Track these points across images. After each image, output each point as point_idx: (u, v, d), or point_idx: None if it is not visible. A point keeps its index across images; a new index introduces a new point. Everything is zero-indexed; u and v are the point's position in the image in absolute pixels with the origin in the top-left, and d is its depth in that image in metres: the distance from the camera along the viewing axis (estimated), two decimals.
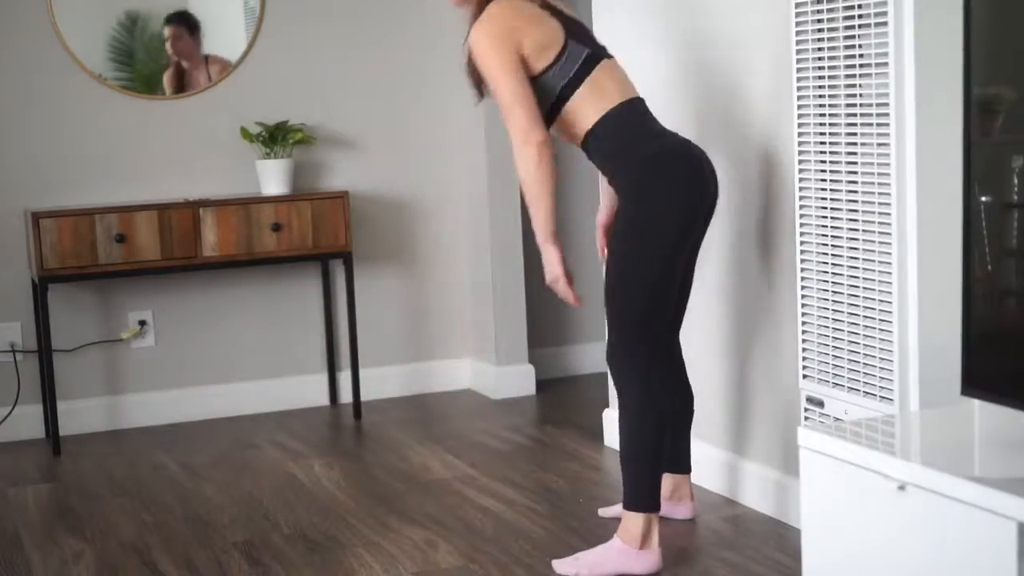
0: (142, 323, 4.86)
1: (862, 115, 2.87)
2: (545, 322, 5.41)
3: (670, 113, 3.68)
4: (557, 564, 3.16)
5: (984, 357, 2.28)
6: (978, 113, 2.27)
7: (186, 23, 4.87)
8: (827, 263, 3.03)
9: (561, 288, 3.12)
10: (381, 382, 5.16)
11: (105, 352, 4.84)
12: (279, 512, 3.74)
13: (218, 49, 4.93)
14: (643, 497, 3.11)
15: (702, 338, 3.74)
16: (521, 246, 5.10)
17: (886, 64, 2.79)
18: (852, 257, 2.95)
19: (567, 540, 3.38)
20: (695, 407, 3.50)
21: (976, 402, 2.43)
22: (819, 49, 2.98)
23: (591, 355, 5.37)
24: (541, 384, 5.24)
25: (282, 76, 4.98)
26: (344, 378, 5.09)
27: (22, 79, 4.70)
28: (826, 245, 3.03)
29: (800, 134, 3.07)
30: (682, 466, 3.46)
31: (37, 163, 4.73)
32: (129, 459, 4.43)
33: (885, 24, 2.78)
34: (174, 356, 4.93)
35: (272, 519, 3.68)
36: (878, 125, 2.83)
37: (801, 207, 3.10)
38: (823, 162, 3.01)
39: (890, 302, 2.85)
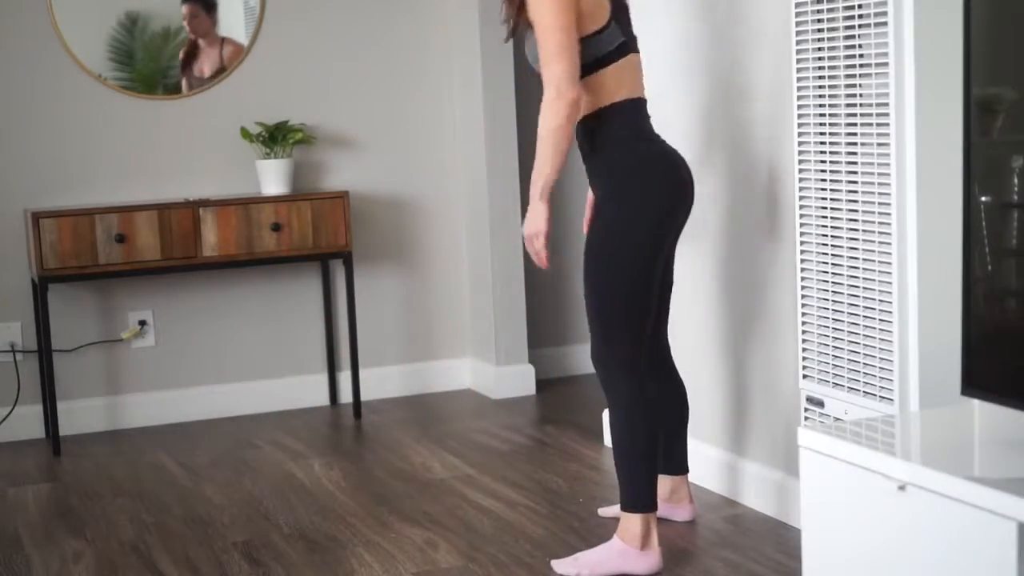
0: (142, 323, 4.86)
1: (862, 115, 2.87)
2: (545, 322, 5.41)
3: (671, 113, 3.68)
4: (556, 564, 3.16)
5: (984, 357, 2.28)
6: (978, 113, 2.27)
7: (203, 1, 4.88)
8: (827, 263, 3.03)
9: (539, 244, 3.10)
10: (381, 382, 5.16)
11: (105, 352, 4.84)
12: (279, 512, 3.74)
13: (232, 32, 4.94)
14: (640, 497, 3.11)
15: (702, 338, 3.74)
16: (521, 246, 5.09)
17: (886, 64, 2.79)
18: (852, 257, 2.95)
19: (567, 540, 3.38)
20: (691, 407, 3.50)
21: (976, 402, 2.43)
22: (819, 49, 2.99)
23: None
24: (541, 384, 5.24)
25: (282, 76, 4.98)
26: (344, 378, 5.09)
27: (22, 79, 4.70)
28: (826, 245, 3.03)
29: (800, 134, 3.07)
30: (679, 467, 3.46)
31: (37, 163, 4.73)
32: (129, 459, 4.43)
33: (885, 24, 2.78)
34: (174, 356, 4.93)
35: (272, 519, 3.68)
36: (878, 125, 2.83)
37: (801, 207, 3.10)
38: (823, 162, 3.01)
39: (890, 302, 2.85)
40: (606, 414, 4.31)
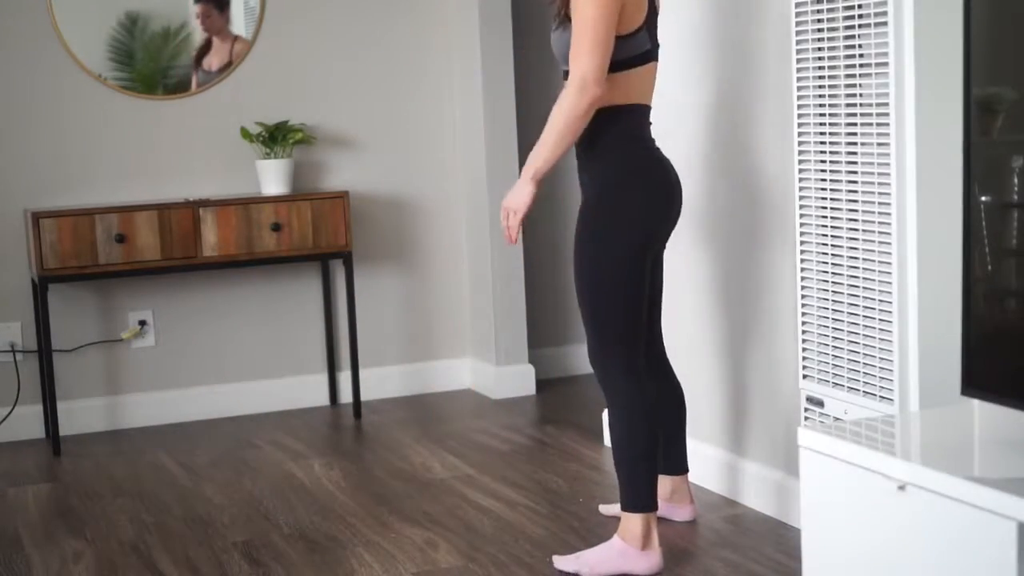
0: (142, 323, 4.86)
1: (862, 115, 2.87)
2: (545, 322, 5.41)
3: (671, 113, 3.68)
4: (558, 560, 3.17)
5: (984, 357, 2.28)
6: (978, 113, 2.27)
7: (215, 0, 4.90)
8: (827, 263, 3.03)
9: (514, 220, 3.10)
10: (381, 382, 5.16)
11: (105, 352, 4.84)
12: (279, 512, 3.74)
13: (240, 30, 4.95)
14: (640, 497, 3.11)
15: (702, 338, 3.74)
16: (521, 246, 5.10)
17: (886, 64, 2.79)
18: (852, 257, 2.95)
19: (567, 540, 3.38)
20: (691, 407, 3.50)
21: (976, 402, 2.43)
22: (819, 49, 2.99)
23: None
24: (541, 384, 5.24)
25: (282, 76, 4.98)
26: (344, 378, 5.09)
27: (22, 79, 4.70)
28: (826, 245, 3.03)
29: (800, 134, 3.07)
30: (679, 467, 3.46)
31: (37, 163, 4.73)
32: (129, 459, 4.43)
33: (885, 24, 2.78)
34: (174, 356, 4.93)
35: (272, 519, 3.68)
36: (878, 125, 2.83)
37: (801, 207, 3.10)
38: (823, 162, 3.01)
39: (890, 302, 2.85)
40: (606, 414, 4.31)
